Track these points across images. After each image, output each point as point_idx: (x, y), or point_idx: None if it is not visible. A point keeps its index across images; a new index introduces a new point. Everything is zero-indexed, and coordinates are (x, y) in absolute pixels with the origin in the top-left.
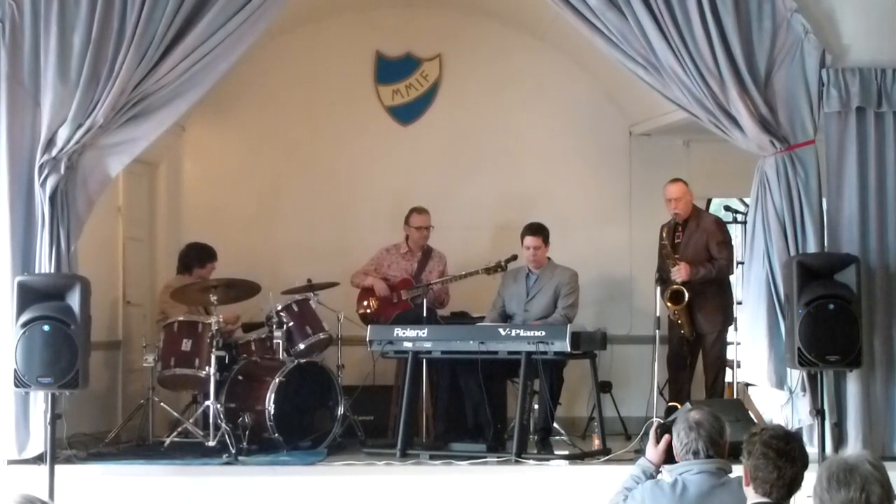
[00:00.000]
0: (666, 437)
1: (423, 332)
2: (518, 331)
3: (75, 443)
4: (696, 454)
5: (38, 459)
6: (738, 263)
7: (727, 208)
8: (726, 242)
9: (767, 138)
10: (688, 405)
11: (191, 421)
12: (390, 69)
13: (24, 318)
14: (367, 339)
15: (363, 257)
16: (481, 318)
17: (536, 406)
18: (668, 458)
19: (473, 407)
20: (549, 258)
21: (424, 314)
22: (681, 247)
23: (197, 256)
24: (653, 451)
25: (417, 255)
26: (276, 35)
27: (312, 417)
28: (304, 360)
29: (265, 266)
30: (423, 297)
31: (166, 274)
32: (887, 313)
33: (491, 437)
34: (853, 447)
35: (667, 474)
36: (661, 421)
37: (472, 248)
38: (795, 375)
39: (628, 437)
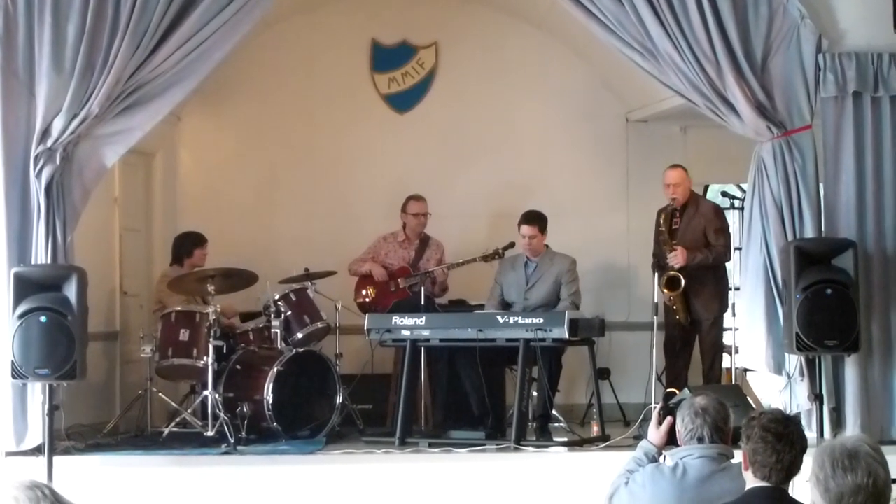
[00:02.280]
0: (668, 419)
1: (422, 321)
2: (516, 318)
3: (73, 434)
4: (700, 440)
5: (37, 451)
6: (735, 249)
7: (724, 194)
8: (724, 230)
9: (764, 124)
10: (686, 391)
11: (189, 411)
12: (386, 57)
13: (21, 309)
14: (366, 328)
15: (360, 246)
16: (479, 306)
17: (535, 393)
18: (671, 440)
19: (472, 394)
20: (547, 246)
21: (422, 302)
22: (678, 233)
23: (183, 246)
24: (655, 433)
25: (415, 243)
26: (272, 23)
27: (311, 406)
28: (303, 350)
29: (262, 255)
30: (421, 286)
31: (163, 264)
32: (885, 298)
33: (490, 424)
34: (851, 432)
35: (668, 458)
36: (664, 403)
37: (469, 236)
38: (794, 360)
39: (627, 424)
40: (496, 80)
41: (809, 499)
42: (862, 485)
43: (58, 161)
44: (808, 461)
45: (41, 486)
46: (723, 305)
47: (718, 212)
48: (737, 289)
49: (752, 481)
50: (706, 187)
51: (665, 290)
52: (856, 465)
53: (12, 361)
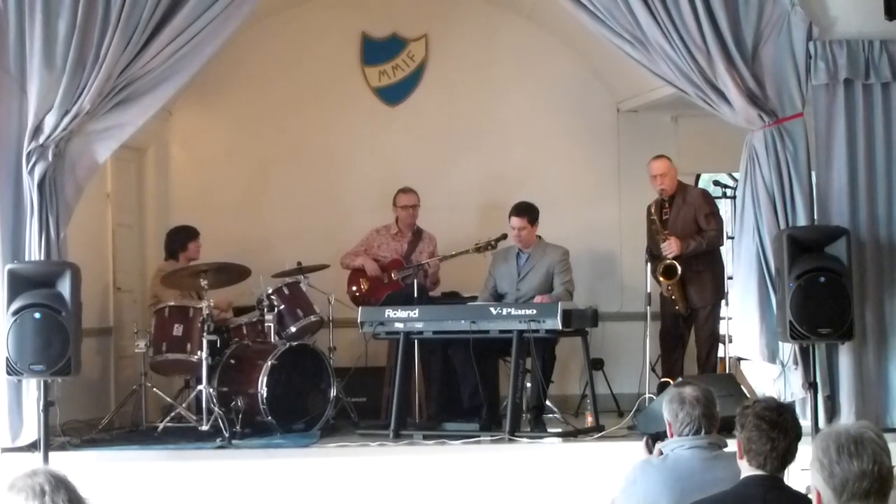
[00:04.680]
0: (658, 445)
1: (415, 313)
2: (509, 309)
3: (69, 430)
4: (697, 430)
5: (32, 447)
6: (728, 238)
7: (716, 183)
8: (714, 213)
9: (755, 112)
10: (679, 380)
11: (184, 406)
12: (376, 50)
13: (15, 305)
14: (359, 321)
15: (352, 239)
16: (472, 298)
17: (529, 384)
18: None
19: (466, 386)
20: (539, 237)
21: (415, 294)
22: (669, 222)
23: (178, 240)
24: None
25: (408, 235)
26: (262, 17)
27: (305, 400)
28: (296, 343)
29: (255, 249)
30: (414, 278)
31: (156, 260)
32: (878, 285)
33: (484, 415)
34: (846, 420)
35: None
36: (648, 437)
37: (461, 229)
38: (787, 349)
39: (621, 414)
40: (486, 71)
41: (811, 484)
42: (867, 471)
43: (50, 158)
44: (803, 449)
45: (56, 475)
46: (718, 293)
47: (707, 197)
48: (730, 278)
49: (746, 470)
50: (698, 176)
51: (662, 279)
52: (861, 451)
53: (7, 358)
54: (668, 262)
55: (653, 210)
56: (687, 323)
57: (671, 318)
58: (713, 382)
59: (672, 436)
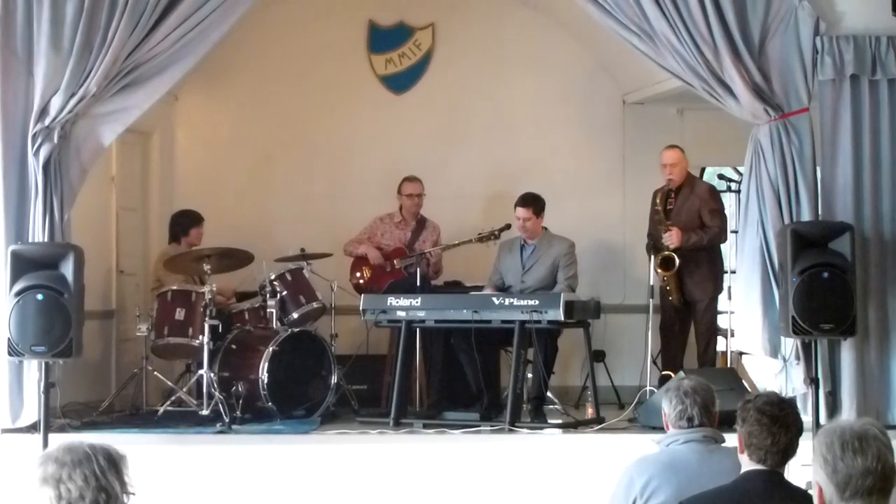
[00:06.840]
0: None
1: (417, 302)
2: (512, 300)
3: (69, 412)
4: (690, 420)
5: (32, 428)
6: (732, 232)
7: (721, 177)
8: (719, 211)
9: (761, 106)
10: (681, 374)
11: (184, 390)
12: (383, 38)
13: (18, 287)
14: (361, 309)
15: (356, 226)
16: (475, 288)
17: (530, 375)
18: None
19: (467, 376)
20: (545, 228)
21: (418, 283)
22: (673, 213)
23: (181, 224)
24: None
25: (411, 224)
26: (269, 3)
27: (306, 386)
28: (298, 330)
29: (258, 235)
30: (417, 266)
31: (159, 243)
32: (881, 281)
33: (484, 405)
34: (847, 415)
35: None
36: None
37: (465, 218)
38: (790, 344)
39: (622, 406)
40: (493, 61)
41: (813, 480)
42: (871, 468)
43: (55, 140)
44: (804, 444)
45: (85, 446)
46: (717, 287)
47: (714, 193)
48: (733, 272)
49: (747, 464)
50: (703, 170)
51: (659, 270)
52: (866, 447)
53: (9, 339)
54: (667, 253)
55: (658, 199)
56: (685, 315)
57: (670, 310)
58: (714, 376)
59: (668, 427)
